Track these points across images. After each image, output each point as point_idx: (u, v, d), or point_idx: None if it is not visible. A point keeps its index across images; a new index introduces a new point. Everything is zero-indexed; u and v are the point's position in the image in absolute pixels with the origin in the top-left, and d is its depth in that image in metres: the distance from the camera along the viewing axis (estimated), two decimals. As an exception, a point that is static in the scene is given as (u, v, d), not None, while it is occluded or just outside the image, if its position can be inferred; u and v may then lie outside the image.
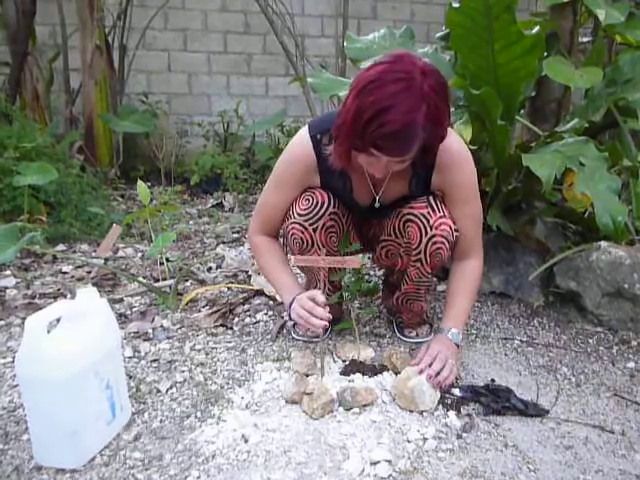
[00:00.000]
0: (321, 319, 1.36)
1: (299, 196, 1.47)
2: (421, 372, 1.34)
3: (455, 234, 1.43)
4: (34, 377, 1.06)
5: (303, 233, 1.45)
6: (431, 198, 1.43)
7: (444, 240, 1.41)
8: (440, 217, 1.41)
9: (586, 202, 1.92)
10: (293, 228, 1.46)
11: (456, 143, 1.40)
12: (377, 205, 1.48)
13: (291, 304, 1.44)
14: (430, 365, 1.35)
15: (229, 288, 2.09)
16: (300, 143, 1.44)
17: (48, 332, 1.07)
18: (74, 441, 1.10)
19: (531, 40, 1.66)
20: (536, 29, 1.75)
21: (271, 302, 1.95)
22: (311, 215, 1.44)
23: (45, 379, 1.06)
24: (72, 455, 1.11)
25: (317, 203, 1.44)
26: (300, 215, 1.44)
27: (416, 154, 1.25)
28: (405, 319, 1.68)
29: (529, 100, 2.15)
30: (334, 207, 1.45)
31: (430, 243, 1.41)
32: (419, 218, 1.41)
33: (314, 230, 1.45)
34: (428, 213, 1.41)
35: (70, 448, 1.11)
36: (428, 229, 1.40)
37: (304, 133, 1.43)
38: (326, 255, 1.43)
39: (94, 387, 1.14)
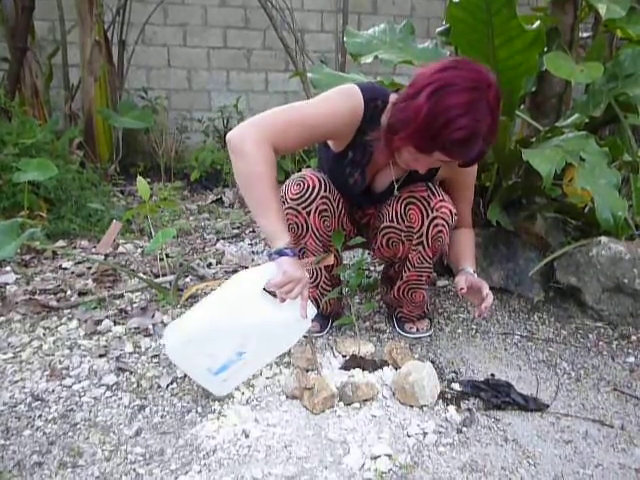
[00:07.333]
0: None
1: (290, 181, 1.48)
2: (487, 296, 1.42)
3: (454, 218, 1.48)
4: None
5: (297, 217, 1.47)
6: (430, 183, 1.48)
7: (445, 223, 1.45)
8: (440, 200, 1.45)
9: (586, 197, 1.92)
10: (287, 214, 1.46)
11: None
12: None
13: (281, 253, 1.25)
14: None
15: (229, 284, 2.08)
16: (356, 95, 1.34)
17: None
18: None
19: (532, 35, 1.66)
20: (537, 24, 1.74)
21: (271, 298, 1.95)
22: (303, 199, 1.46)
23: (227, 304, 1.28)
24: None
25: (308, 187, 1.46)
26: (292, 199, 1.46)
27: None
28: (406, 312, 1.68)
29: (529, 95, 2.14)
30: (325, 191, 1.48)
31: (432, 226, 1.45)
32: (420, 201, 1.45)
33: (307, 214, 1.47)
34: (428, 196, 1.45)
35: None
36: (429, 211, 1.44)
37: (357, 90, 1.34)
38: (319, 239, 1.49)
39: (230, 342, 1.26)
